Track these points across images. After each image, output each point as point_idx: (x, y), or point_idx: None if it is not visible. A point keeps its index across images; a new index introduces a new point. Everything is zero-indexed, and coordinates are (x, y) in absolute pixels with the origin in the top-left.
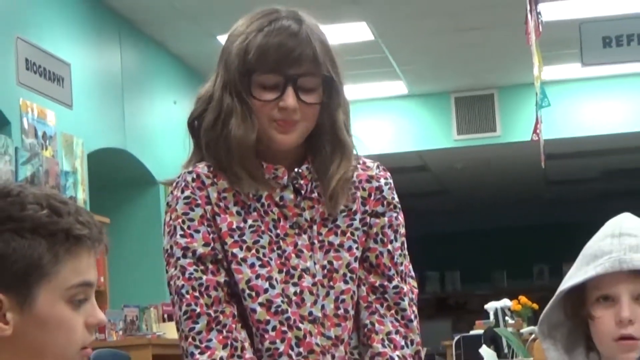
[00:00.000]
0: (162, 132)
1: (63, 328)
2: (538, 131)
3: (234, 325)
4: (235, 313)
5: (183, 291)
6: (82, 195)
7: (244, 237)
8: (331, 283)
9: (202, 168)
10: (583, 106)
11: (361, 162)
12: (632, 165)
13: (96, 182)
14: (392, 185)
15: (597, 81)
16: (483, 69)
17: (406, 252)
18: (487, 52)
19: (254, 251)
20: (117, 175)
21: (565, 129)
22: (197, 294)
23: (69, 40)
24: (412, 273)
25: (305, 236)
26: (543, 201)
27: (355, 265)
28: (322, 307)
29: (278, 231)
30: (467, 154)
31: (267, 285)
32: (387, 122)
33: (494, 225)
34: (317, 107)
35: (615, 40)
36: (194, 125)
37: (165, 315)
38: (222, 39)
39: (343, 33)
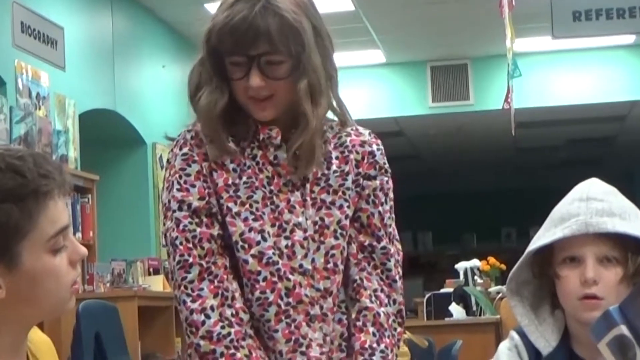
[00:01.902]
0: (151, 94)
1: (52, 276)
2: (509, 100)
3: (225, 276)
4: (227, 265)
5: (177, 242)
6: (73, 153)
7: (239, 193)
8: (322, 238)
9: (199, 127)
10: (552, 77)
11: (354, 128)
12: (595, 134)
13: (87, 141)
14: (383, 151)
15: (566, 54)
16: (458, 40)
17: (394, 216)
18: (462, 23)
19: (247, 206)
20: (107, 134)
21: (535, 99)
22: (190, 245)
23: (63, 5)
24: (398, 237)
25: (298, 193)
26: (512, 167)
27: (346, 222)
28: (312, 260)
29: (272, 187)
30: (441, 121)
31: (259, 237)
32: (366, 88)
33: (465, 189)
34: (286, 80)
35: (585, 15)
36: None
37: (151, 269)
38: (209, 6)
39: (325, 3)
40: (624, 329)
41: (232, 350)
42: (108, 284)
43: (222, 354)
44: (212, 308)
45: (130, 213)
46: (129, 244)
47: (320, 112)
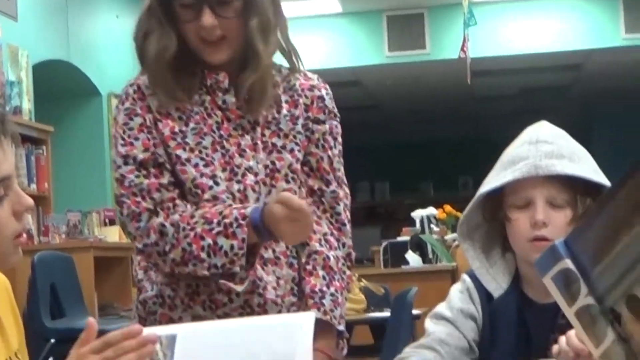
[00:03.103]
0: (105, 45)
1: None
2: (465, 49)
3: (171, 204)
4: (175, 197)
5: (123, 199)
6: (27, 104)
7: (187, 139)
8: (273, 182)
9: (143, 79)
10: (508, 26)
11: (302, 73)
12: (549, 83)
13: (41, 92)
14: (332, 95)
15: (522, 2)
16: None
17: (342, 160)
18: None
19: (197, 152)
20: (61, 86)
21: (491, 48)
22: (138, 198)
23: None
24: (345, 181)
25: (248, 137)
26: (468, 117)
27: (297, 166)
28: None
29: (222, 132)
30: (398, 70)
31: (211, 182)
32: (322, 38)
33: (422, 138)
34: (237, 20)
35: None
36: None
37: (107, 220)
38: None
39: None
40: (569, 263)
41: (191, 232)
42: (63, 235)
43: (189, 244)
44: (162, 225)
45: (86, 164)
46: (84, 195)
47: (270, 50)
